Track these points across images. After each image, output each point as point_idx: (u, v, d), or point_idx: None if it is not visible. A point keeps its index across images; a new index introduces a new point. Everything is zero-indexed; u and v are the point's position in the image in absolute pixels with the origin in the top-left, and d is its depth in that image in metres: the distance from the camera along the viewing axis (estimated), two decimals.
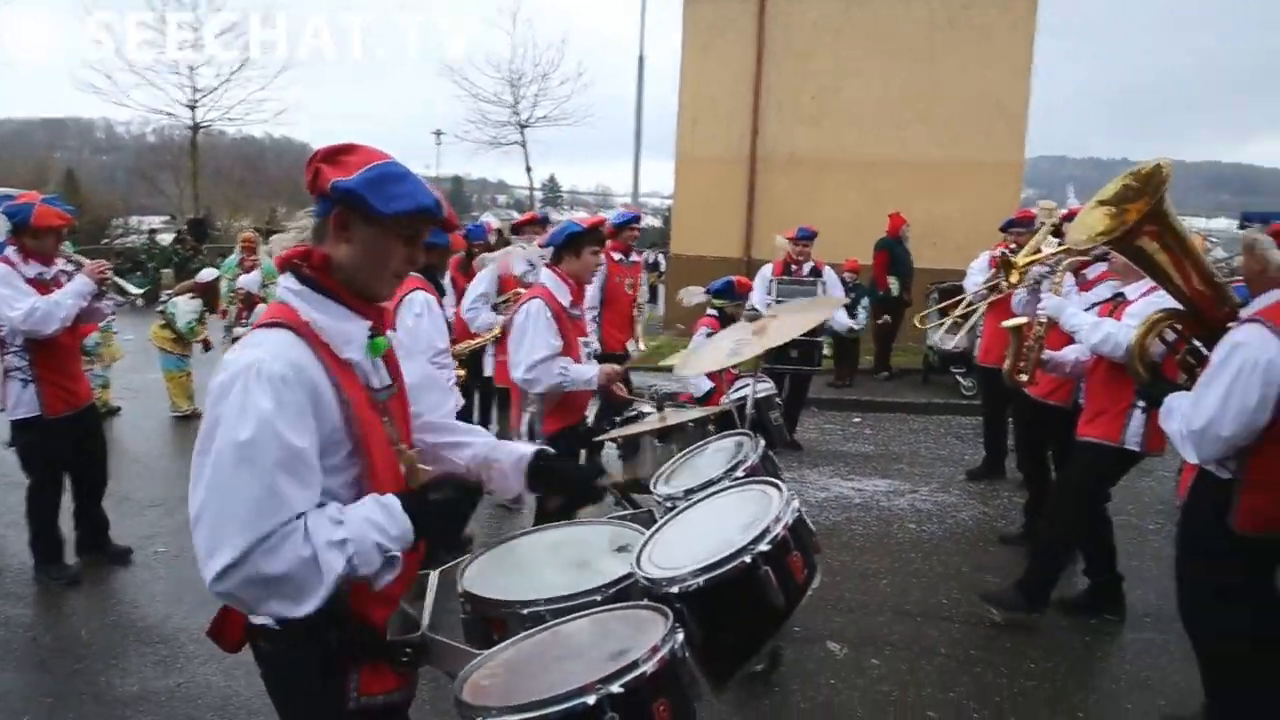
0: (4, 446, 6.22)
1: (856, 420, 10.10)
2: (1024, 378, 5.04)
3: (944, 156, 14.34)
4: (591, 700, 1.65)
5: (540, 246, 5.14)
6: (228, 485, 1.71)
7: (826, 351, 11.46)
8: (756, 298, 7.82)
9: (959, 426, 9.84)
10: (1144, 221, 3.60)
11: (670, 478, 3.10)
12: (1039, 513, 5.94)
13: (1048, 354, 4.97)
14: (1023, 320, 5.08)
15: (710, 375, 6.68)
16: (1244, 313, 3.54)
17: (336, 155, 1.89)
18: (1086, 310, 4.86)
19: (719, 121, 15.20)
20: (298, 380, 1.77)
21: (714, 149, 15.26)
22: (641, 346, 7.39)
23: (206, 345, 9.51)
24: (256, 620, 1.93)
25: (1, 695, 4.08)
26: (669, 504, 2.74)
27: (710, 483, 2.73)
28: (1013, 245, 6.96)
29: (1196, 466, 3.64)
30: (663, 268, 18.88)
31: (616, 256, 7.49)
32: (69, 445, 5.27)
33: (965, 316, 9.32)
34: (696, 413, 3.67)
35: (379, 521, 1.79)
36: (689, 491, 2.73)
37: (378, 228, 1.87)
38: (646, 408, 4.41)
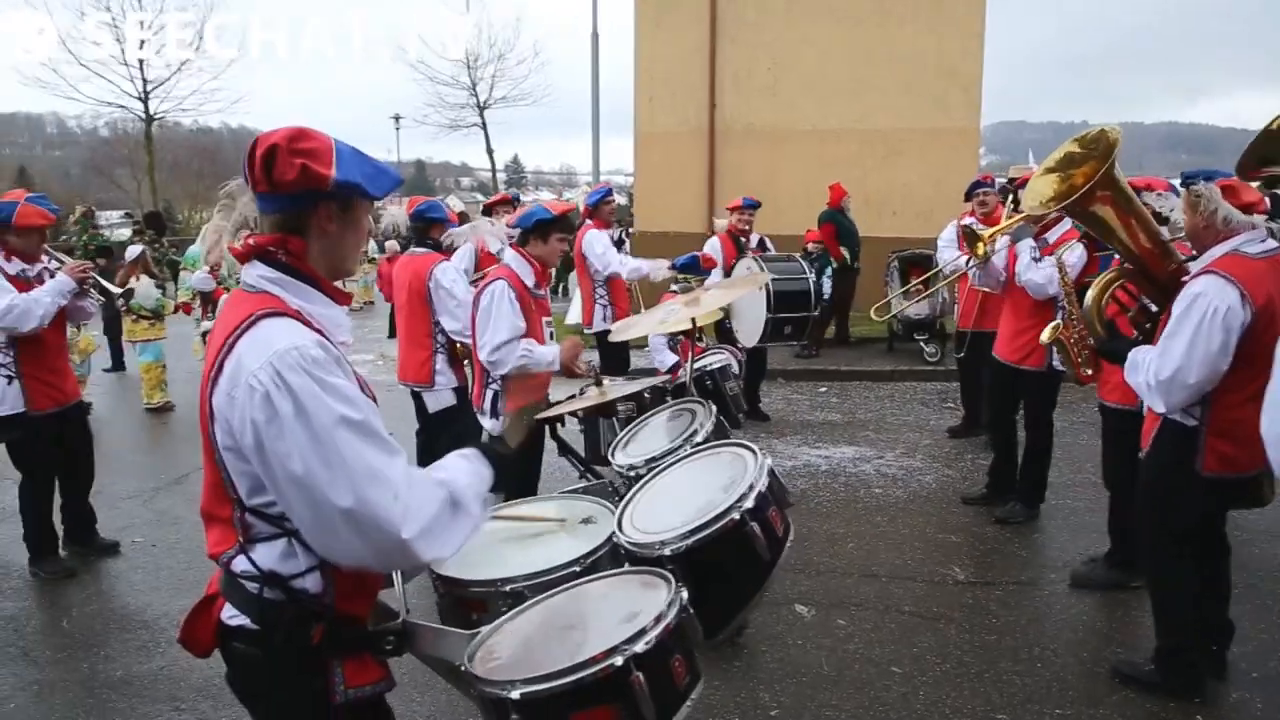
0: None
1: (823, 390, 10.22)
2: (1089, 372, 4.87)
3: (900, 124, 14.42)
4: (619, 661, 1.73)
5: (509, 226, 5.18)
6: (369, 464, 1.72)
7: None
8: (717, 273, 7.85)
9: (924, 392, 9.99)
10: (1098, 187, 3.73)
11: (626, 447, 3.17)
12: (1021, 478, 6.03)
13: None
14: (1056, 325, 4.84)
15: (673, 348, 6.76)
16: (1195, 266, 3.68)
17: (304, 146, 1.85)
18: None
19: (675, 96, 15.19)
20: (334, 358, 1.80)
21: (672, 124, 15.25)
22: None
23: (181, 309, 9.81)
24: (231, 621, 1.90)
25: None
26: (631, 473, 2.81)
27: (671, 450, 2.80)
28: (978, 212, 7.10)
29: (1159, 419, 3.78)
30: (627, 245, 18.89)
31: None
32: (56, 441, 5.29)
33: (925, 284, 9.46)
34: (634, 386, 3.74)
35: (470, 469, 1.96)
36: (650, 461, 2.80)
37: (361, 209, 1.94)
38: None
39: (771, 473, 2.27)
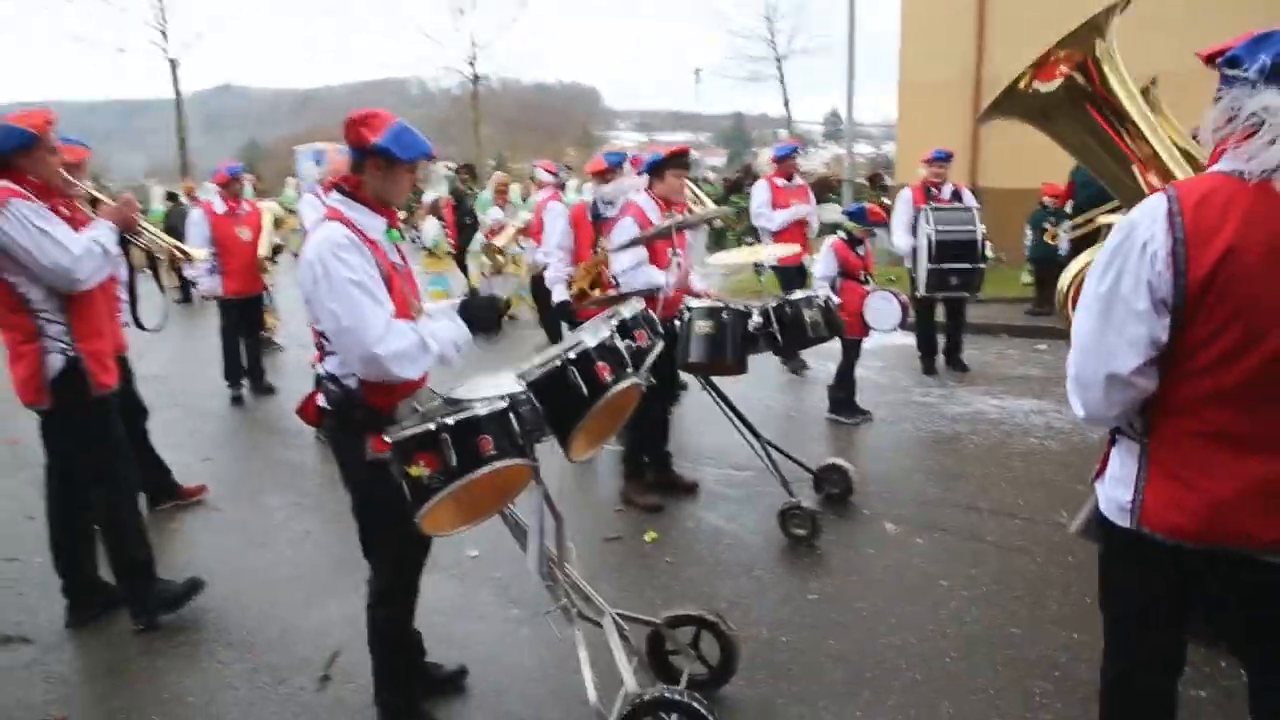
0: None
1: (1040, 347, 10.06)
2: None
3: (1187, 66, 13.19)
4: (433, 426, 2.66)
5: (636, 175, 6.15)
6: (359, 306, 2.84)
7: (1027, 279, 11.37)
8: (897, 222, 8.23)
9: None
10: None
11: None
12: None
13: None
14: None
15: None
16: None
17: (367, 120, 3.00)
18: None
19: (942, 45, 14.91)
20: (354, 244, 2.91)
21: (937, 74, 15.00)
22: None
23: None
24: (320, 403, 3.13)
25: None
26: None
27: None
28: None
29: None
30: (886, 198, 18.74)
31: (779, 183, 8.68)
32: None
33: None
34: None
35: (452, 326, 3.14)
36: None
37: (397, 166, 3.05)
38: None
39: (603, 340, 3.02)
